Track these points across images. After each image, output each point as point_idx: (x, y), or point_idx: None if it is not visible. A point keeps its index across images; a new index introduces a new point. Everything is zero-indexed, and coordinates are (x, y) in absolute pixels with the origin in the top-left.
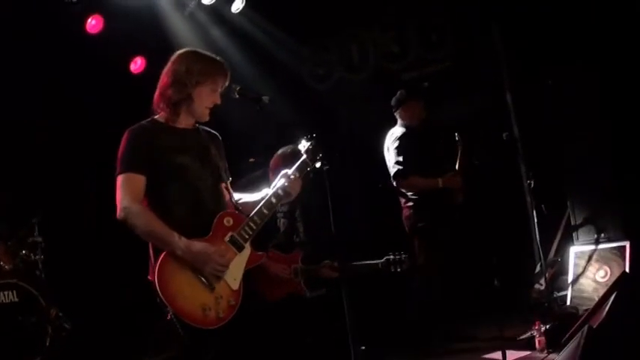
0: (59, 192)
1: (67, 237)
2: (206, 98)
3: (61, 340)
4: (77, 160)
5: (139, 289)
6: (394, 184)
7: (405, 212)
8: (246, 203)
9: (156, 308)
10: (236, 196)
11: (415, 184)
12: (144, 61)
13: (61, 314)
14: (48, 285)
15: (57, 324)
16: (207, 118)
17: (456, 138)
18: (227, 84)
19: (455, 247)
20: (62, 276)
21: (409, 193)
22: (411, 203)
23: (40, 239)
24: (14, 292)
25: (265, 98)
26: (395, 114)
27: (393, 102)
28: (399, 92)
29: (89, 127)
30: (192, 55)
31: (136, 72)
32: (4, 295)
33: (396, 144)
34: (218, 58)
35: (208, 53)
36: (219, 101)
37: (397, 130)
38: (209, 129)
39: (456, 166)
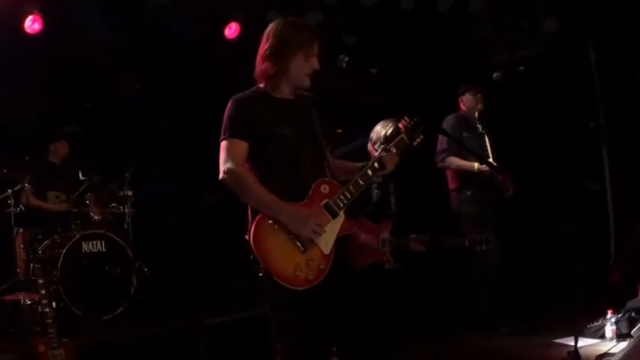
0: (151, 150)
1: (155, 193)
2: (303, 66)
3: (145, 290)
4: (171, 119)
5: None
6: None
7: (452, 196)
8: (343, 166)
9: (243, 266)
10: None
11: (452, 163)
12: (238, 26)
13: (145, 269)
14: (134, 238)
15: (141, 275)
16: (308, 85)
17: (480, 129)
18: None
19: (502, 233)
20: (147, 230)
21: (453, 180)
22: (455, 188)
23: (130, 193)
24: (102, 242)
25: (373, 70)
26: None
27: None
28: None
29: (183, 88)
30: (285, 25)
31: (230, 37)
32: (93, 245)
33: (445, 127)
34: (309, 23)
35: (300, 20)
36: (317, 66)
37: (452, 116)
38: (310, 94)
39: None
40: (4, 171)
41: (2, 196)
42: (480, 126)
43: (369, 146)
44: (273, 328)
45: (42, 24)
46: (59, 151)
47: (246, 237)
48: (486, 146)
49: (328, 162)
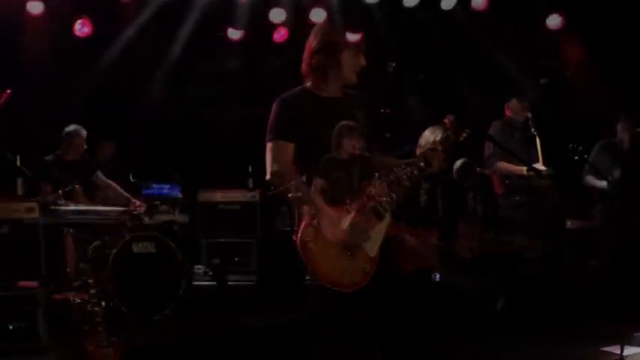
0: (198, 155)
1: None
2: (352, 61)
3: (193, 292)
4: (219, 124)
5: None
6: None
7: (499, 201)
8: (387, 163)
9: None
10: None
11: (501, 167)
12: (286, 31)
13: (194, 270)
14: (183, 240)
15: (189, 276)
16: (355, 81)
17: (532, 131)
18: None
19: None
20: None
21: (501, 185)
22: (503, 193)
23: (179, 196)
24: (153, 243)
25: (420, 76)
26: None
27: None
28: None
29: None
30: (331, 24)
31: (278, 41)
32: (143, 246)
33: (491, 133)
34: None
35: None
36: (364, 63)
37: (499, 121)
38: (356, 93)
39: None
40: (55, 170)
41: (54, 196)
42: (532, 128)
43: (417, 152)
44: (318, 330)
45: (91, 27)
46: (105, 151)
47: (294, 238)
48: (537, 150)
49: (373, 162)
